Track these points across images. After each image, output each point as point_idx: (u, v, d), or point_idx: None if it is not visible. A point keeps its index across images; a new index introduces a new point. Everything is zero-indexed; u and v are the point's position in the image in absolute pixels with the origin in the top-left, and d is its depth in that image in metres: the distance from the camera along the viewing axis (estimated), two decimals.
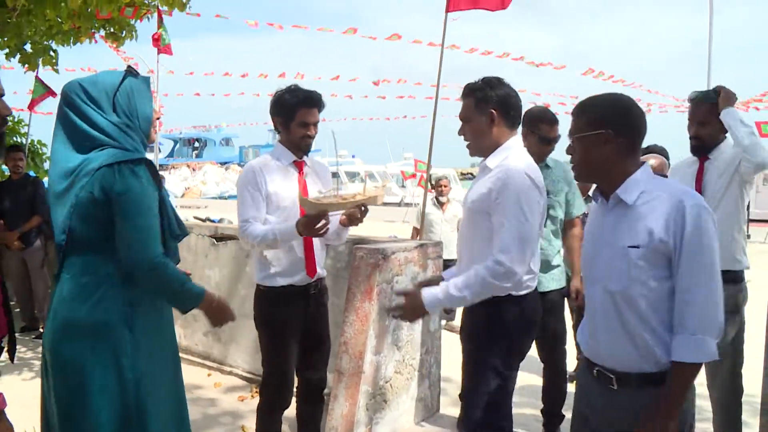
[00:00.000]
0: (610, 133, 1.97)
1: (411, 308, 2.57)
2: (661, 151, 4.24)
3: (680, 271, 1.88)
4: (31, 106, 8.01)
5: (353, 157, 37.35)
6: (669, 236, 1.88)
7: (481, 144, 2.69)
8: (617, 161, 2.01)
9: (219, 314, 2.34)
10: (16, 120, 8.62)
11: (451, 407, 4.36)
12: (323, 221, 2.87)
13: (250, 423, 3.24)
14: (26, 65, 6.46)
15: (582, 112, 2.06)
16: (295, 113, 3.06)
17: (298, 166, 3.16)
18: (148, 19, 6.55)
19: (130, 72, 2.20)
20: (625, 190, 1.99)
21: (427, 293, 2.54)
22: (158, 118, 2.28)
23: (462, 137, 2.76)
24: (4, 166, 7.41)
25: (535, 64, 13.21)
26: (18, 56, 6.38)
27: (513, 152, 2.64)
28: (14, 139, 8.40)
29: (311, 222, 2.87)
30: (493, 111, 2.63)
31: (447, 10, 4.96)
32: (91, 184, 2.04)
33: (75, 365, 2.04)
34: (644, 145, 4.30)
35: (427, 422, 4.19)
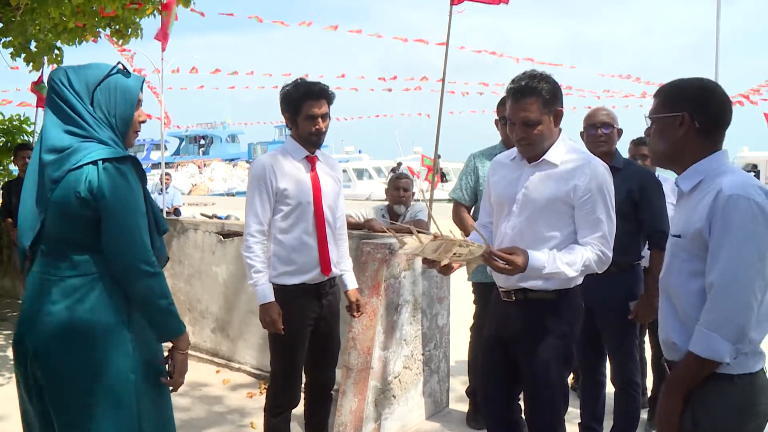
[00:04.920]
0: (685, 115, 1.87)
1: (514, 266, 2.35)
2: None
3: (708, 261, 1.77)
4: (39, 104, 8.00)
5: (360, 152, 37.32)
6: (705, 227, 1.77)
7: (545, 144, 2.56)
8: (689, 147, 1.89)
9: (179, 367, 2.12)
10: (22, 118, 8.60)
11: (460, 402, 4.34)
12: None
13: (259, 420, 3.23)
14: (31, 64, 6.47)
15: (661, 92, 1.96)
16: (300, 107, 3.01)
17: (311, 161, 3.11)
18: (154, 15, 6.52)
19: (121, 70, 2.11)
20: (684, 177, 1.90)
21: (535, 258, 2.39)
22: (143, 122, 2.18)
23: (516, 138, 2.57)
24: (13, 166, 7.41)
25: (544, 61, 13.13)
26: (23, 55, 6.39)
27: (572, 145, 2.62)
28: (22, 137, 8.40)
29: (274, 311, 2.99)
30: (561, 109, 2.56)
31: (452, 3, 4.94)
32: (75, 182, 1.95)
33: (76, 371, 1.95)
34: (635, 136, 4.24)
35: (437, 417, 4.18)
